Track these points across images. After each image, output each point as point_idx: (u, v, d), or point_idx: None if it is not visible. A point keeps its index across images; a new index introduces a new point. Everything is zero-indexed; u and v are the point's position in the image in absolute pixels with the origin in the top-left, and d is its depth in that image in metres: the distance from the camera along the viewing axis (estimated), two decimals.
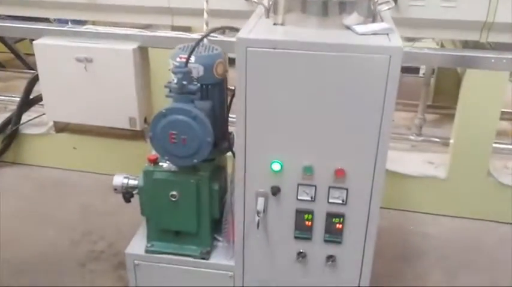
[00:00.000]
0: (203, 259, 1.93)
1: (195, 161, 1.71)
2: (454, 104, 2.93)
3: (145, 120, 3.20)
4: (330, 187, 1.64)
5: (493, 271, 2.68)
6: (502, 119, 2.78)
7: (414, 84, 3.83)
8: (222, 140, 1.87)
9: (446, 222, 3.09)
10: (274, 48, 1.48)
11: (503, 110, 2.76)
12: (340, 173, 1.60)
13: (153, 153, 1.82)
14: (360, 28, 1.56)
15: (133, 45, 3.04)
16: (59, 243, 2.91)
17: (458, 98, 2.83)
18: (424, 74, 3.70)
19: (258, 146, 1.62)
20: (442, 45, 3.31)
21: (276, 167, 1.63)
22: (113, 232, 2.97)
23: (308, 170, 1.61)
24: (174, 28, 3.20)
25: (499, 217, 3.01)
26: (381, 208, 1.65)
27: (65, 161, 3.56)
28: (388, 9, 1.69)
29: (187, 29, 3.22)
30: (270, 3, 1.70)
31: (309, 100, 1.53)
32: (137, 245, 2.01)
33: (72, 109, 3.26)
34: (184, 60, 1.67)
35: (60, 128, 3.60)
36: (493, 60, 2.53)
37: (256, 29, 1.61)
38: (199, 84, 1.69)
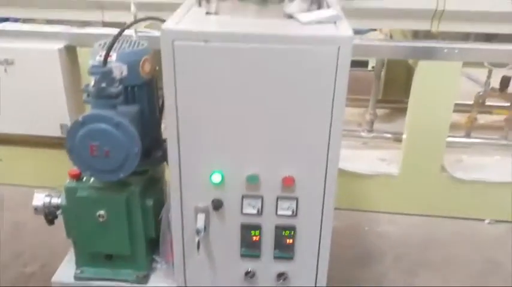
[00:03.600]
0: (140, 283, 1.71)
1: (122, 175, 1.47)
2: (406, 98, 2.83)
3: None
4: (278, 198, 1.45)
5: (448, 268, 2.61)
6: (455, 111, 2.69)
7: (363, 78, 3.72)
8: (155, 148, 1.64)
9: (402, 220, 3.00)
10: (206, 42, 1.27)
11: (456, 102, 2.67)
12: (288, 182, 1.42)
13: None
14: (304, 16, 1.38)
15: (59, 45, 2.77)
16: None
17: (410, 92, 2.73)
18: (373, 67, 3.60)
19: (195, 155, 1.41)
20: (391, 37, 3.21)
21: (217, 178, 1.43)
22: (46, 252, 2.70)
23: (252, 180, 1.42)
24: (105, 24, 2.93)
25: (454, 212, 2.94)
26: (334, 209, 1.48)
27: None
28: None
29: (122, 25, 2.95)
30: None
31: (250, 100, 1.33)
32: (66, 271, 1.77)
33: None
34: (102, 58, 1.43)
35: None
36: (445, 51, 2.42)
37: (186, 19, 1.40)
38: (122, 86, 1.45)
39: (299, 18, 1.37)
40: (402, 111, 3.00)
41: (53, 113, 2.88)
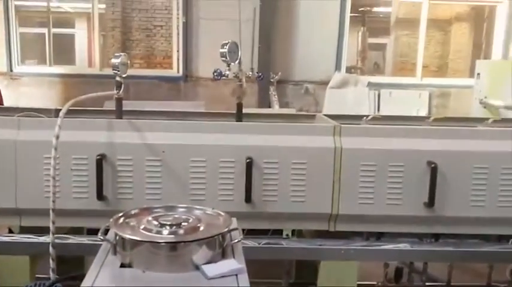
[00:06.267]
0: None
1: None
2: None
3: None
4: None
5: None
6: None
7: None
8: None
9: None
10: None
11: None
12: None
13: None
14: (210, 269, 1.55)
15: None
16: None
17: None
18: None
19: None
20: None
21: None
22: None
23: None
24: None
25: None
26: None
27: None
28: (239, 241, 1.73)
29: None
30: (117, 237, 1.64)
31: None
32: None
33: None
34: None
35: None
36: (342, 251, 2.69)
37: (102, 273, 1.51)
38: None
39: (205, 272, 1.54)
40: None
41: None
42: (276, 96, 7.81)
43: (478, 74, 6.54)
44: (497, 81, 6.11)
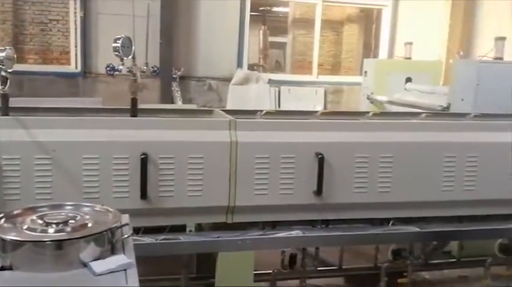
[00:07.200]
0: None
1: None
2: None
3: None
4: None
5: None
6: None
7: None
8: None
9: None
10: None
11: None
12: None
13: None
14: (97, 266, 1.54)
15: None
16: None
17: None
18: None
19: None
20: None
21: None
22: None
23: None
24: None
25: None
26: None
27: None
28: (128, 236, 1.73)
29: None
30: None
31: None
32: None
33: None
34: None
35: None
36: (239, 242, 2.78)
37: None
38: None
39: (93, 269, 1.52)
40: None
41: None
42: (179, 92, 7.77)
43: (365, 72, 7.01)
44: (382, 78, 6.60)
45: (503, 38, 4.81)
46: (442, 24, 8.87)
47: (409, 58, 6.99)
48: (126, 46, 2.93)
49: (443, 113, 4.55)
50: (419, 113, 3.66)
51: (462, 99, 4.55)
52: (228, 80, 8.31)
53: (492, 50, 4.75)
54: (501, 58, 4.75)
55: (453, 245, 4.35)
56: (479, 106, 4.28)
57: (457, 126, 3.27)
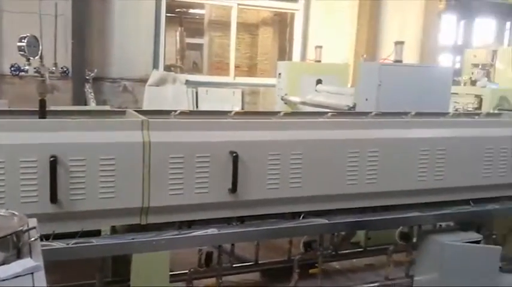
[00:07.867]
0: None
1: None
2: None
3: None
4: None
5: None
6: None
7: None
8: None
9: None
10: None
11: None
12: None
13: None
14: (2, 271, 1.50)
15: None
16: None
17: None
18: None
19: None
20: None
21: None
22: None
23: None
24: None
25: None
26: None
27: None
28: (35, 239, 1.70)
29: None
30: None
31: None
32: None
33: None
34: None
35: None
36: (154, 243, 2.78)
37: None
38: None
39: None
40: None
41: None
42: (92, 93, 7.53)
43: (279, 73, 7.22)
44: (295, 80, 6.84)
45: (401, 43, 5.18)
46: (351, 28, 9.36)
47: (319, 61, 7.30)
48: (33, 45, 2.84)
49: (348, 112, 4.83)
50: (326, 113, 3.87)
51: (366, 99, 4.85)
52: (144, 81, 8.19)
53: (392, 53, 5.10)
54: (400, 61, 5.12)
55: (360, 236, 4.64)
56: (381, 105, 4.59)
57: (359, 124, 3.50)
